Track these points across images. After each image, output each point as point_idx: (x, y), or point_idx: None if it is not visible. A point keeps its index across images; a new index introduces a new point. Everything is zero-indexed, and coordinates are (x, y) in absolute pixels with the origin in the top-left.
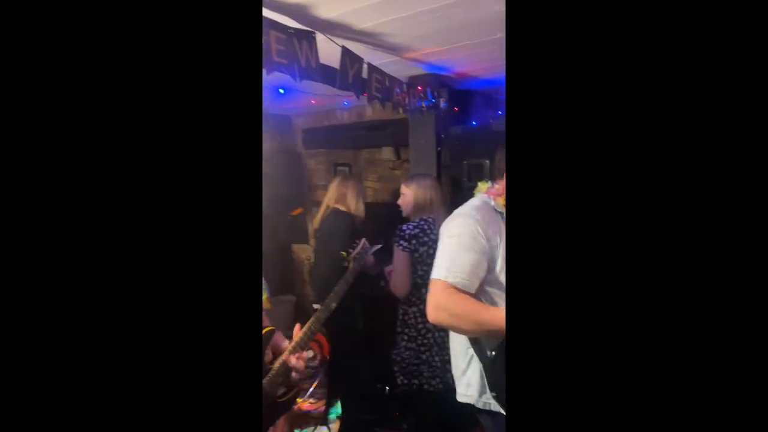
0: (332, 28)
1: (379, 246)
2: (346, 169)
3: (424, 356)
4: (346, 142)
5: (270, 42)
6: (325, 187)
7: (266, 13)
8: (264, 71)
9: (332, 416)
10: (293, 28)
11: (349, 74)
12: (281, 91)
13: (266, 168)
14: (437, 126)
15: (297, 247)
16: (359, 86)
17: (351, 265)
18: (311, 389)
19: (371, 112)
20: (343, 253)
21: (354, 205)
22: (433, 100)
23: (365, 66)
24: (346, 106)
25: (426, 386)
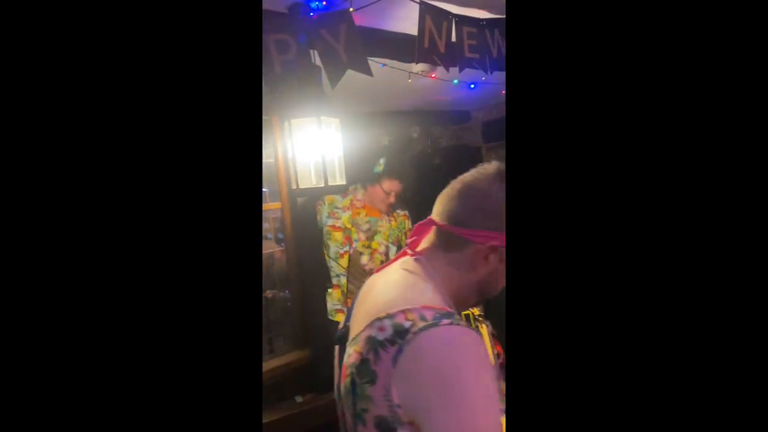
0: None
1: None
2: None
3: None
4: None
5: (462, 38)
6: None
7: (454, 8)
8: (456, 69)
9: None
10: (484, 19)
11: None
12: (472, 86)
13: (441, 163)
14: None
15: None
16: None
17: None
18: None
19: None
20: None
21: None
22: None
23: None
24: None
25: None
